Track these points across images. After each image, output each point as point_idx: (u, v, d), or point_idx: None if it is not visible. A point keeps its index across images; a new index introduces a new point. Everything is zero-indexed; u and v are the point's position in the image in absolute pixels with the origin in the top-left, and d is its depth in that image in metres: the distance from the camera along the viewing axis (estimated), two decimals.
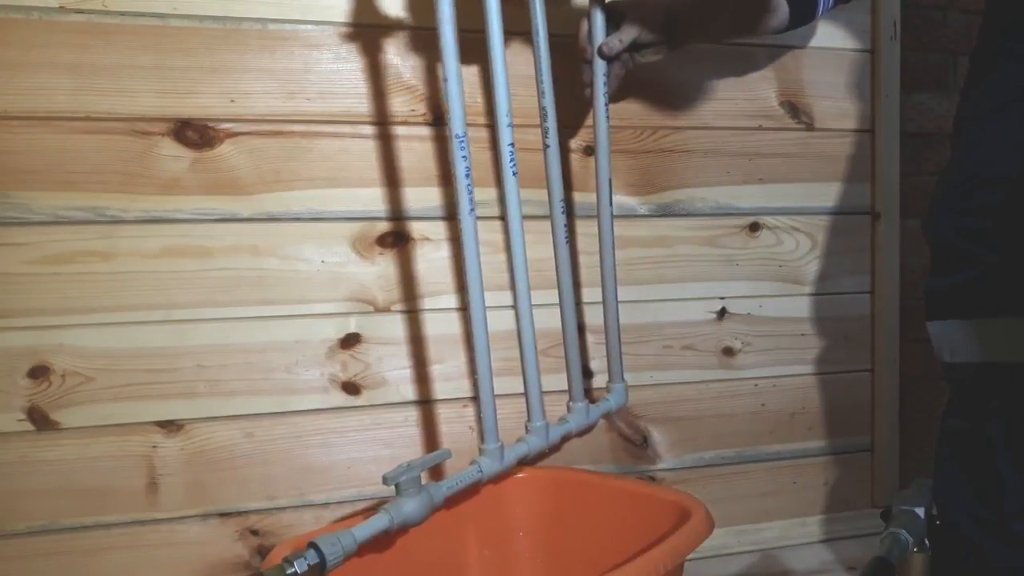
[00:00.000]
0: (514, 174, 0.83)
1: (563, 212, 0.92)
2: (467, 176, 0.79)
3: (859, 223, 1.15)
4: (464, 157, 0.78)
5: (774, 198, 1.12)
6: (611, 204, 0.95)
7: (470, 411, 1.02)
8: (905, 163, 1.16)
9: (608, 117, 0.92)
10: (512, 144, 0.82)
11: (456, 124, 0.78)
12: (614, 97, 0.94)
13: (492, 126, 0.99)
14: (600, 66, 0.91)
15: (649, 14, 0.90)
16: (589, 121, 1.02)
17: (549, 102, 0.90)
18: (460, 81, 0.77)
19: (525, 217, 0.85)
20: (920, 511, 0.76)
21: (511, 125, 0.82)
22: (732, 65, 1.08)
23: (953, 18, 1.25)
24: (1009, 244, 0.69)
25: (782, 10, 0.89)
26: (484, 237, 0.81)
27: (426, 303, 0.99)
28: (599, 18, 0.90)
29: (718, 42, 1.06)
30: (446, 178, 0.98)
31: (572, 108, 1.00)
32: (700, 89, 1.08)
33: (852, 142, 1.14)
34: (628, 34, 0.89)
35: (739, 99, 1.09)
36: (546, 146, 0.91)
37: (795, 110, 1.11)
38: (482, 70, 0.98)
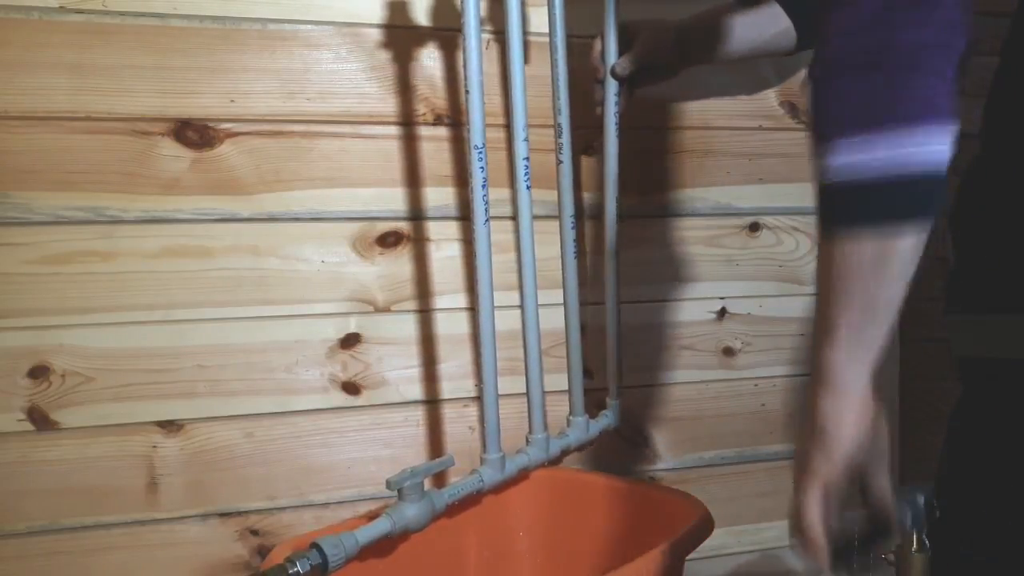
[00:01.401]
0: (528, 187, 0.84)
1: (573, 228, 0.93)
2: (483, 187, 0.79)
3: None
4: (482, 168, 0.79)
5: (774, 198, 1.12)
6: (616, 222, 0.95)
7: (470, 411, 1.02)
8: None
9: (619, 137, 0.93)
10: (527, 158, 0.83)
11: (476, 136, 0.78)
12: (622, 115, 0.94)
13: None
14: (612, 86, 0.91)
15: (661, 35, 0.91)
16: (588, 121, 1.02)
17: (565, 119, 0.91)
18: (482, 93, 0.78)
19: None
20: (920, 498, 0.75)
21: (527, 140, 0.83)
22: (732, 65, 1.08)
23: None
24: (1017, 242, 0.69)
25: (790, 35, 0.90)
26: (492, 237, 0.81)
27: (426, 303, 0.99)
28: (612, 39, 0.90)
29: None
30: (446, 178, 0.98)
31: (573, 109, 1.00)
32: (699, 87, 1.08)
33: None
34: (641, 55, 0.90)
35: (739, 99, 1.09)
36: (559, 162, 0.92)
37: (795, 110, 1.11)
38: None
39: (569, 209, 0.93)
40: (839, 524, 0.61)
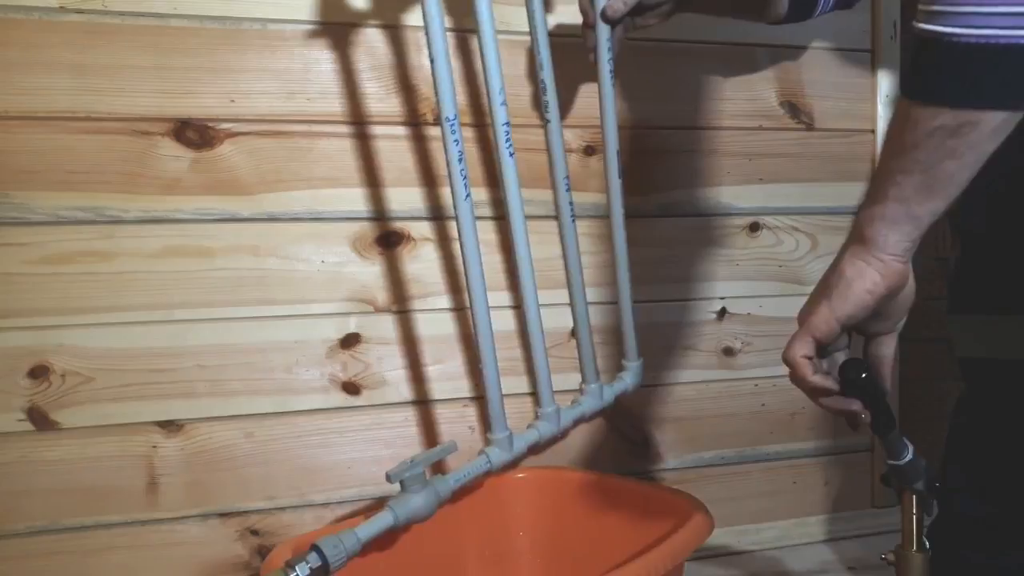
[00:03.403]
0: (511, 155, 0.80)
1: (567, 190, 0.89)
2: (460, 160, 0.76)
3: None
4: (456, 141, 0.76)
5: (774, 198, 1.12)
6: (620, 177, 0.91)
7: (470, 411, 1.02)
8: None
9: (614, 84, 0.89)
10: (507, 123, 0.80)
11: (446, 107, 0.75)
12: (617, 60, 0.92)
13: (485, 125, 0.98)
14: (604, 30, 0.86)
15: None
16: (587, 121, 1.02)
17: (548, 75, 0.86)
18: (448, 60, 0.74)
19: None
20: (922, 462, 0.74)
21: (505, 103, 0.79)
22: (732, 65, 1.08)
23: None
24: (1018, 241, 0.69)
25: (782, 2, 0.88)
26: (480, 237, 0.81)
27: (426, 303, 0.99)
28: None
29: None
30: (446, 178, 0.97)
31: (568, 106, 1.00)
32: (700, 89, 1.08)
33: (852, 142, 1.14)
34: None
35: (739, 99, 1.09)
36: (547, 121, 0.88)
37: (795, 110, 1.11)
38: (477, 67, 0.98)
39: (562, 171, 0.89)
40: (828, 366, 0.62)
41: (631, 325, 0.96)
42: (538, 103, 0.91)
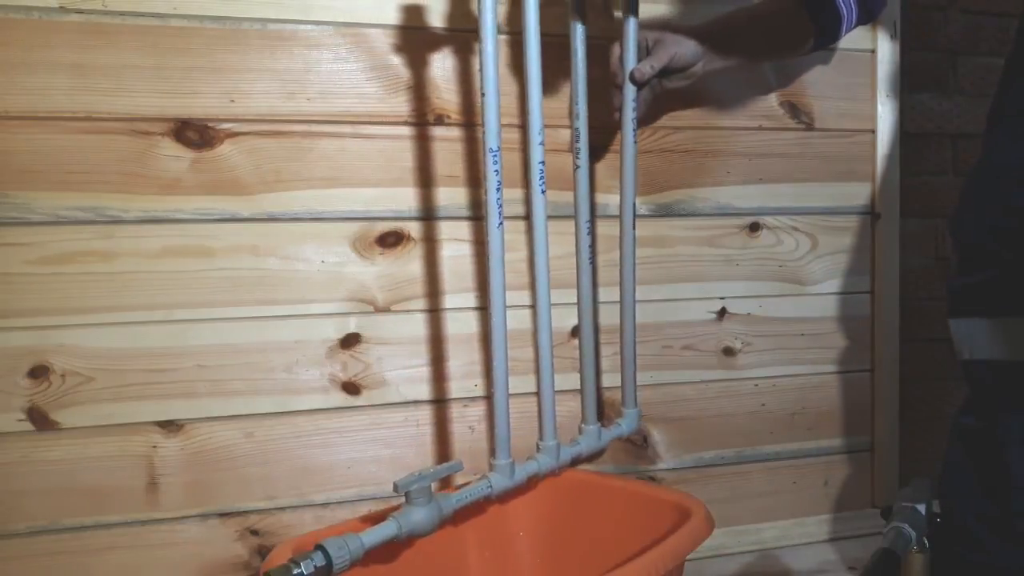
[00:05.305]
0: (543, 191, 0.83)
1: (588, 233, 0.94)
2: (498, 190, 0.79)
3: (859, 223, 1.15)
4: (496, 171, 0.78)
5: (774, 198, 1.12)
6: (634, 228, 0.96)
7: (471, 411, 1.02)
8: (905, 163, 1.16)
9: (636, 143, 0.93)
10: (543, 162, 0.83)
11: (491, 138, 0.78)
12: (641, 120, 0.94)
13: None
14: (631, 91, 0.90)
15: (681, 41, 0.90)
16: (598, 123, 1.02)
17: (583, 124, 0.90)
18: (498, 97, 0.77)
19: None
20: (921, 507, 0.76)
21: (543, 143, 0.82)
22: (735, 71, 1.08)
23: (953, 18, 1.25)
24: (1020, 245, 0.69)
25: (807, 35, 0.90)
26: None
27: (427, 303, 0.99)
28: (632, 43, 0.89)
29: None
30: (447, 178, 0.98)
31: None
32: (700, 89, 1.08)
33: (852, 142, 1.14)
34: (660, 60, 0.88)
35: (739, 99, 1.09)
36: (576, 166, 0.92)
37: (795, 110, 1.11)
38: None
39: (585, 215, 0.93)
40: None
41: (632, 374, 0.99)
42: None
